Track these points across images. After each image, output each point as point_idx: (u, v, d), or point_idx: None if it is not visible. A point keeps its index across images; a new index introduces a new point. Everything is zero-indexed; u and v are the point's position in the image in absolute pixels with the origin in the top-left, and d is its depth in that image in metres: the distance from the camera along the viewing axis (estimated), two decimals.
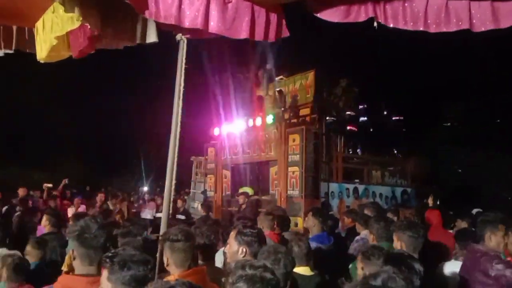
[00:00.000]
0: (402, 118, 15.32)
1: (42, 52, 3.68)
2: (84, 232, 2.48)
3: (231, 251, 3.22)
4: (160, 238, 3.11)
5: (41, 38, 3.54)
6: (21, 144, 22.37)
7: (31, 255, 4.25)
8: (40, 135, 22.73)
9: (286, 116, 11.31)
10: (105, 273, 2.17)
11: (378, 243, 4.00)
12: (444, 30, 3.23)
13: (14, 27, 4.03)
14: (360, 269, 3.11)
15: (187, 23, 2.78)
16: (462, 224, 5.99)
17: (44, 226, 5.35)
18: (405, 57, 18.53)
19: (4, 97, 20.92)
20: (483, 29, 3.16)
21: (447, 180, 15.28)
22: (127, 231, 4.51)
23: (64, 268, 3.34)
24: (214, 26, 2.78)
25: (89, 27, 3.26)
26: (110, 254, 2.21)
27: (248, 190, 10.74)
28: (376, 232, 4.14)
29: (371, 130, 12.60)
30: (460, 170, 15.68)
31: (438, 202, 10.00)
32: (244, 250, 3.13)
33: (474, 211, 8.04)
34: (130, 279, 2.10)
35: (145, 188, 11.00)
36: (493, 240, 3.38)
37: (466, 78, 18.36)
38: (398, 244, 3.51)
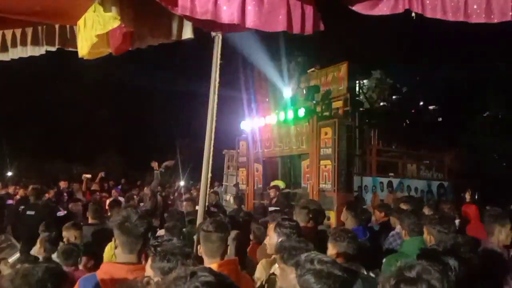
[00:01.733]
0: (438, 108, 14.83)
1: (83, 50, 3.82)
2: (126, 221, 2.57)
3: (271, 242, 3.30)
4: (197, 228, 3.21)
5: (83, 36, 3.68)
6: (63, 139, 23.27)
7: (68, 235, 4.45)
8: (80, 130, 23.59)
9: (318, 109, 11.22)
10: (149, 260, 2.29)
11: (410, 237, 3.96)
12: (485, 21, 3.13)
13: (57, 26, 4.21)
14: (330, 249, 3.19)
15: (224, 19, 2.82)
16: None
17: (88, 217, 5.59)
18: (443, 46, 17.90)
19: (49, 93, 21.85)
20: None
21: (490, 173, 14.69)
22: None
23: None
24: (250, 21, 2.81)
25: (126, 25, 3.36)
26: (156, 243, 2.32)
27: (280, 183, 10.76)
28: (408, 227, 4.09)
29: (406, 122, 12.30)
30: (504, 163, 15.03)
31: (476, 197, 9.70)
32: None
33: None
34: (169, 270, 2.18)
35: (182, 183, 11.23)
36: (503, 233, 3.45)
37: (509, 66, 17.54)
38: (428, 238, 3.50)
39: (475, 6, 3.04)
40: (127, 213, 2.65)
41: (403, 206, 5.95)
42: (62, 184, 10.42)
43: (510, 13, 2.94)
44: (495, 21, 3.01)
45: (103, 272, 2.55)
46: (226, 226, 3.01)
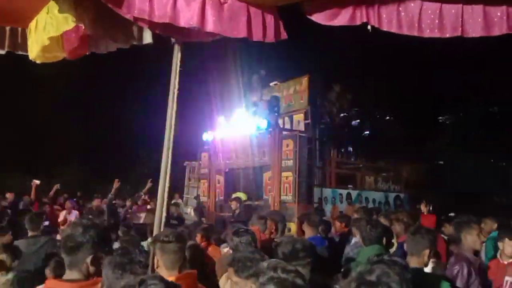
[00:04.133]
0: (397, 123, 15.40)
1: (32, 52, 3.66)
2: (67, 239, 2.45)
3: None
4: (151, 240, 3.09)
5: (33, 38, 3.51)
6: (19, 150, 22.19)
7: None
8: (37, 141, 22.61)
9: (280, 121, 11.32)
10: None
11: (366, 246, 4.02)
12: (438, 36, 3.27)
13: (7, 28, 3.99)
14: None
15: (182, 23, 2.77)
16: (450, 229, 6.05)
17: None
18: (402, 60, 18.61)
19: (7, 102, 20.88)
20: (474, 35, 3.20)
21: (448, 185, 15.31)
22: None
23: None
24: (210, 25, 2.78)
25: (82, 27, 3.24)
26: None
27: (241, 195, 10.69)
28: (365, 235, 4.14)
29: (365, 135, 12.64)
30: (462, 175, 15.72)
31: (431, 208, 10.03)
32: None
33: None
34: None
35: (141, 194, 11.03)
36: (468, 239, 3.64)
37: (467, 80, 18.47)
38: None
39: (428, 21, 3.17)
40: (70, 231, 2.51)
41: (356, 216, 6.15)
42: (9, 196, 9.88)
43: (460, 28, 3.09)
44: (447, 35, 3.15)
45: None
46: (184, 237, 2.94)
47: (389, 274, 1.50)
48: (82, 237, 2.39)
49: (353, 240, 5.07)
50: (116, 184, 8.12)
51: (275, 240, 5.30)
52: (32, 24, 3.53)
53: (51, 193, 10.86)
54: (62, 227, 8.30)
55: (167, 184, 3.74)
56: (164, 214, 3.68)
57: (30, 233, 5.05)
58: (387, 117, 14.20)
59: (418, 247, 3.17)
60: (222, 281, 3.46)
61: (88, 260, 2.37)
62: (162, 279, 1.29)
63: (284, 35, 3.14)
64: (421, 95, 19.44)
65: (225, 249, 4.67)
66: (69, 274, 2.43)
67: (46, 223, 6.88)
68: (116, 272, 2.12)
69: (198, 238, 5.32)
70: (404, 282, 1.50)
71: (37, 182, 10.12)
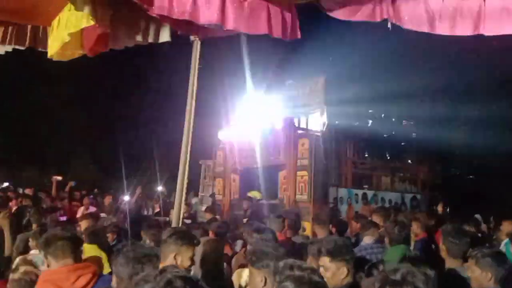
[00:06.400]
0: (413, 123, 15.21)
1: (52, 49, 3.73)
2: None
3: None
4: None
5: (54, 35, 3.58)
6: (36, 146, 22.59)
7: None
8: (53, 137, 22.98)
9: (296, 120, 11.29)
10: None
11: (392, 246, 3.99)
12: (459, 34, 3.23)
13: (29, 26, 4.07)
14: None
15: (202, 20, 2.80)
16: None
17: None
18: (415, 61, 18.38)
19: (21, 98, 21.28)
20: (496, 33, 3.16)
21: (460, 187, 15.07)
22: None
23: None
24: (231, 23, 2.80)
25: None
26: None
27: (256, 194, 10.71)
28: (392, 236, 4.09)
29: (381, 135, 12.50)
30: (473, 177, 15.43)
31: (448, 209, 9.90)
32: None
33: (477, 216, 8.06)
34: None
35: (159, 188, 11.07)
36: None
37: (480, 82, 18.13)
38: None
39: (449, 19, 3.13)
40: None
41: (376, 217, 6.04)
42: (28, 192, 10.07)
43: (482, 26, 3.04)
44: (468, 33, 3.11)
45: (43, 279, 2.55)
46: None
47: (414, 273, 1.48)
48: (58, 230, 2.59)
49: (364, 243, 4.94)
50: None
51: (292, 239, 5.32)
52: (55, 22, 3.59)
53: (66, 190, 11.04)
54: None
55: (185, 181, 3.76)
56: (183, 210, 3.72)
57: (34, 227, 5.30)
58: (403, 117, 14.01)
59: (463, 249, 3.15)
60: (234, 277, 3.51)
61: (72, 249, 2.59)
62: (181, 269, 1.34)
63: (298, 34, 3.16)
64: (437, 94, 19.15)
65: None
66: (57, 265, 2.59)
67: (64, 218, 7.06)
68: (131, 265, 2.19)
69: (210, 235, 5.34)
70: (431, 282, 1.47)
71: (58, 178, 10.26)
